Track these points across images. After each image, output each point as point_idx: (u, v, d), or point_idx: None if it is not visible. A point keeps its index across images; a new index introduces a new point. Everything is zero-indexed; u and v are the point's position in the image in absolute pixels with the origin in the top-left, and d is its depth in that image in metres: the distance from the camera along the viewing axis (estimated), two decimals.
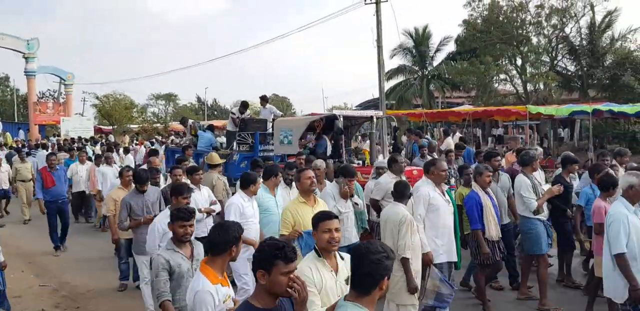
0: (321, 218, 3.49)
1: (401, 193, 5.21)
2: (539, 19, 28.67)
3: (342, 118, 10.43)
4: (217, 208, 6.87)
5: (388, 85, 34.96)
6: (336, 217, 3.55)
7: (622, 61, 26.71)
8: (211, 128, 13.56)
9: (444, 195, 5.67)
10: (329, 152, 10.16)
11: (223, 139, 14.45)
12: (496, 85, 31.24)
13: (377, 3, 19.62)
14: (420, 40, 36.16)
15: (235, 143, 11.32)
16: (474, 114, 23.22)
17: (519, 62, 30.15)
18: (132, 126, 38.85)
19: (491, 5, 29.70)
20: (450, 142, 13.26)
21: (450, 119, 25.23)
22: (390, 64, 37.23)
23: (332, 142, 10.42)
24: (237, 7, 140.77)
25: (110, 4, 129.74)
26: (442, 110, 27.00)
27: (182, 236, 4.09)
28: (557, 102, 26.96)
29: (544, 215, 6.52)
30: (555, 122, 28.72)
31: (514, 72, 30.67)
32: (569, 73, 30.50)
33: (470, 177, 6.74)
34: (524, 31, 29.26)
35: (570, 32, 29.43)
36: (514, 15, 29.16)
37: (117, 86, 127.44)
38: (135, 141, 25.57)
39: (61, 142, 22.17)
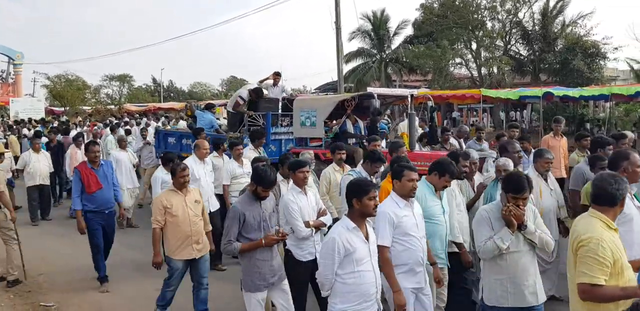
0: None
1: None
2: (494, 3, 29.14)
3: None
4: (328, 220, 5.26)
5: (347, 68, 35.12)
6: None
7: (573, 46, 27.52)
8: (210, 108, 11.88)
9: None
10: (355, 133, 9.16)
11: (223, 121, 12.73)
12: (452, 69, 31.73)
13: None
14: (379, 23, 36.39)
15: (239, 126, 10.25)
16: (433, 98, 23.59)
17: (474, 46, 30.66)
18: (84, 107, 37.83)
19: None
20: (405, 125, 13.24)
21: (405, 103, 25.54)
22: (350, 47, 37.33)
23: (368, 123, 9.44)
24: None
25: None
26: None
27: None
28: (509, 85, 27.62)
29: None
30: (508, 106, 29.50)
31: (469, 56, 31.19)
32: (522, 57, 31.24)
33: None
34: (479, 16, 29.72)
35: (524, 17, 30.11)
36: None
37: (69, 66, 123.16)
38: (87, 123, 24.94)
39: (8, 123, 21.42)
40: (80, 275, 7.34)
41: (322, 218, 5.22)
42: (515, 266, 3.87)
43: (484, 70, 30.52)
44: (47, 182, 11.00)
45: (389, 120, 20.64)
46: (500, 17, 29.91)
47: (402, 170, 4.35)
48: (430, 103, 10.50)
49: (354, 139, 9.37)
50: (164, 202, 5.33)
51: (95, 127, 19.31)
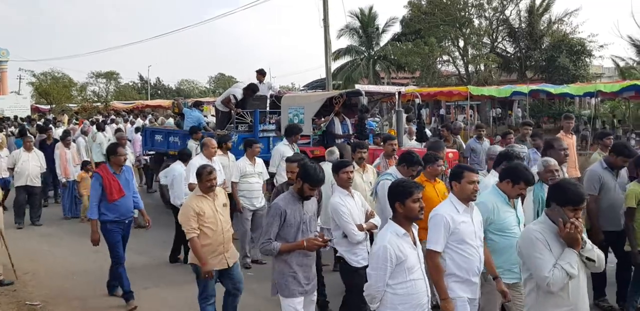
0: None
1: None
2: (481, 1, 29.32)
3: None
4: (378, 222, 4.94)
5: (335, 65, 35.16)
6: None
7: (558, 43, 27.80)
8: (197, 105, 11.83)
9: None
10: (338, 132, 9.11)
11: (211, 119, 12.61)
12: (439, 66, 31.88)
13: None
14: (367, 21, 36.44)
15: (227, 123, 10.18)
16: (421, 95, 23.73)
17: (461, 43, 30.82)
18: (70, 105, 37.50)
19: None
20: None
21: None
22: (338, 44, 37.30)
23: (356, 120, 9.37)
24: None
25: None
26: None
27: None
28: (496, 83, 27.86)
29: None
30: (495, 103, 29.70)
31: (457, 53, 31.36)
32: (508, 55, 31.46)
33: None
34: (467, 13, 29.89)
35: (510, 15, 30.35)
36: None
37: (55, 64, 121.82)
38: (75, 120, 24.77)
39: None
40: (67, 274, 7.28)
41: (372, 220, 4.90)
42: (576, 295, 3.30)
43: (471, 68, 30.71)
44: (37, 183, 10.28)
45: (379, 117, 20.65)
46: (487, 14, 30.13)
47: (462, 171, 4.02)
48: (417, 100, 10.49)
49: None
50: (196, 208, 4.86)
51: (83, 125, 19.18)
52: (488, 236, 4.19)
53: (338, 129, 9.30)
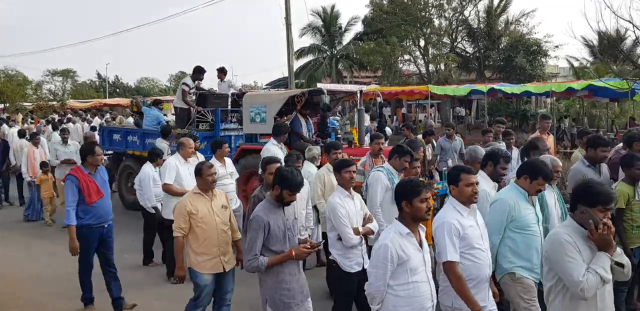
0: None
1: None
2: (441, 1, 29.74)
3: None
4: (376, 227, 4.83)
5: (298, 64, 35.14)
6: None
7: (516, 44, 28.44)
8: (157, 104, 11.76)
9: None
10: (306, 133, 9.11)
11: (171, 117, 12.51)
12: (401, 65, 32.20)
13: None
14: (329, 20, 36.50)
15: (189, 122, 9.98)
16: (383, 94, 23.94)
17: (422, 43, 31.20)
18: (25, 104, 36.38)
19: None
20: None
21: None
22: (301, 43, 37.35)
23: (318, 119, 9.39)
24: None
25: None
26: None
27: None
28: (456, 82, 28.31)
29: None
30: (455, 102, 30.23)
31: (418, 53, 31.72)
32: (468, 54, 32.02)
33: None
34: (427, 13, 30.25)
35: (469, 15, 30.85)
36: None
37: (9, 61, 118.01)
38: (30, 120, 24.07)
39: None
40: (25, 278, 7.08)
41: (369, 225, 4.72)
42: (603, 302, 3.16)
43: (431, 67, 31.11)
44: None
45: (339, 116, 20.77)
46: (446, 14, 30.57)
47: (458, 173, 3.84)
48: (379, 99, 10.59)
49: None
50: (189, 207, 4.63)
51: (39, 124, 18.68)
52: (508, 235, 4.09)
53: (303, 128, 9.26)
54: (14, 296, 6.42)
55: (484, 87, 20.95)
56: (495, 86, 21.22)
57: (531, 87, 20.79)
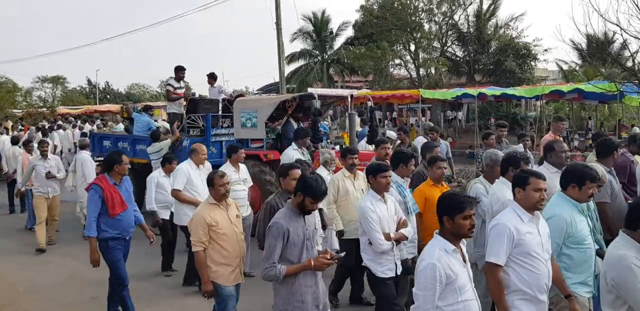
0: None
1: None
2: (431, 6, 29.91)
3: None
4: (410, 233, 4.72)
5: (289, 69, 35.15)
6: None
7: (505, 47, 28.61)
8: (147, 109, 11.67)
9: None
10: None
11: (162, 123, 12.28)
12: (392, 69, 32.32)
13: None
14: (320, 24, 36.57)
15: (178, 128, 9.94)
16: (374, 98, 23.99)
17: (412, 47, 31.34)
18: (15, 111, 36.11)
19: None
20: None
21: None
22: (292, 48, 37.36)
23: (309, 124, 9.34)
24: None
25: None
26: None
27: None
28: (446, 86, 28.41)
29: None
30: (445, 105, 30.35)
31: (408, 57, 31.86)
32: (458, 58, 32.18)
33: None
34: (417, 18, 30.41)
35: (459, 20, 31.06)
36: (408, 1, 30.21)
37: None
38: (20, 127, 23.91)
39: None
40: (17, 285, 7.03)
41: (402, 230, 4.58)
42: None
43: (422, 71, 31.24)
44: None
45: (328, 121, 20.81)
46: (436, 19, 30.76)
47: (527, 177, 3.60)
48: (370, 103, 10.64)
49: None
50: (208, 219, 4.45)
51: (29, 131, 18.58)
52: (563, 252, 3.81)
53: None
54: (5, 303, 6.38)
55: (474, 91, 21.01)
56: (485, 89, 21.27)
57: (522, 90, 20.90)
